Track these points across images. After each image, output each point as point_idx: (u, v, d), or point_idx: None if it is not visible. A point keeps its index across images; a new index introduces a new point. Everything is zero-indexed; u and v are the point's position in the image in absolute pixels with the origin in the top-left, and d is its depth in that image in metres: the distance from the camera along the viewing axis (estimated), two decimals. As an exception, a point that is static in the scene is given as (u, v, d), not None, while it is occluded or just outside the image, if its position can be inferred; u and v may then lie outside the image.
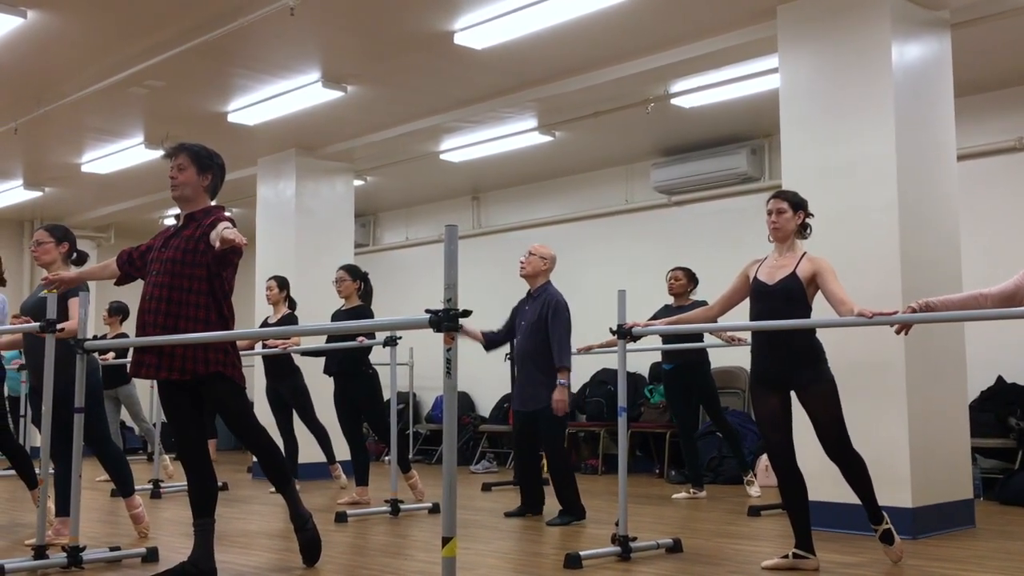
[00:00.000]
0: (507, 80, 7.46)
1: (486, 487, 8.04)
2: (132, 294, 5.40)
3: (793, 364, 4.39)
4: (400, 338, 6.74)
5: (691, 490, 7.37)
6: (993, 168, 7.69)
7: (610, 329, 4.94)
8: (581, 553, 4.57)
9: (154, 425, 8.79)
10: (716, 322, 5.01)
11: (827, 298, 4.37)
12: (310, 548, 4.54)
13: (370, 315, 7.03)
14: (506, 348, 6.43)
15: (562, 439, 6.29)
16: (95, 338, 4.77)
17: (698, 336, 7.24)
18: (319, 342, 7.36)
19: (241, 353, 4.92)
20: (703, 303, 6.64)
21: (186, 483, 4.33)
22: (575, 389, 9.89)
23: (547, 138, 9.00)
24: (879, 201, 5.50)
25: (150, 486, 7.82)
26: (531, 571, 4.52)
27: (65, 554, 4.52)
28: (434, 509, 6.60)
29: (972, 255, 6.54)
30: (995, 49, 6.84)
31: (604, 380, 9.81)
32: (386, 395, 7.03)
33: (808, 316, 4.44)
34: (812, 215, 4.62)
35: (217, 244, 3.96)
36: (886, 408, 5.38)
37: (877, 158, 5.53)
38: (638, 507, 6.71)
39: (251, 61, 7.07)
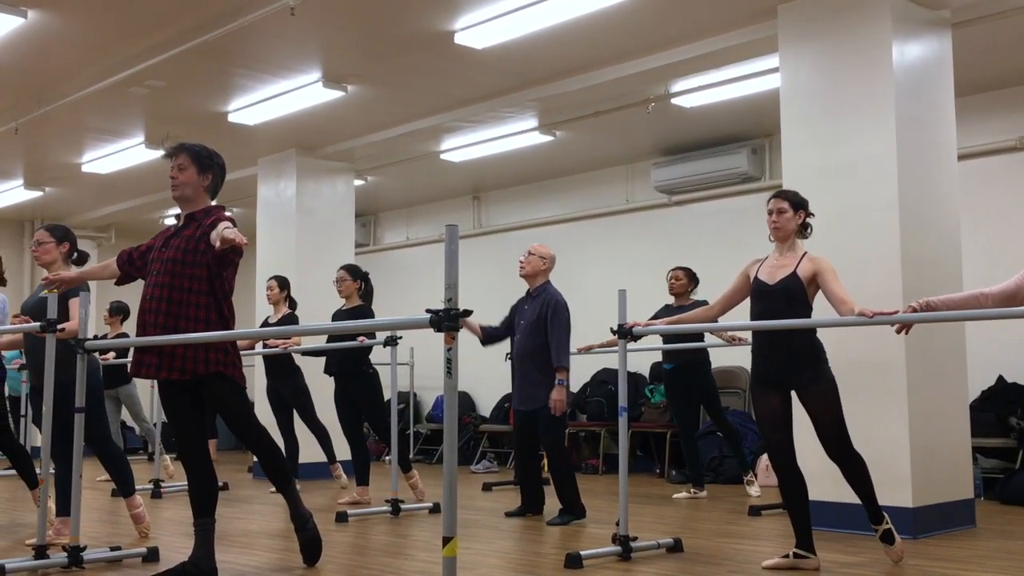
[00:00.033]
0: (508, 80, 7.46)
1: (487, 487, 8.04)
2: (133, 294, 5.40)
3: (794, 364, 4.39)
4: (401, 338, 6.75)
5: (692, 490, 7.37)
6: (994, 168, 7.68)
7: (611, 329, 4.94)
8: (582, 553, 4.57)
9: (155, 425, 8.79)
10: (716, 322, 5.01)
11: (828, 298, 4.37)
12: (311, 548, 4.54)
13: (371, 315, 7.04)
14: (506, 347, 6.43)
15: (562, 438, 6.29)
16: (96, 338, 4.77)
17: (699, 336, 7.24)
18: (320, 342, 7.36)
19: (241, 353, 4.91)
20: (704, 303, 6.63)
21: (186, 483, 4.34)
22: (576, 389, 9.90)
23: (548, 138, 9.00)
24: (880, 201, 5.50)
25: (151, 486, 7.82)
26: (532, 571, 4.52)
27: (66, 554, 4.52)
28: (435, 509, 6.60)
29: (972, 255, 6.54)
30: (996, 49, 6.84)
31: (605, 380, 9.81)
32: (387, 395, 7.03)
33: (809, 316, 4.44)
34: (813, 215, 4.62)
35: (217, 244, 3.96)
36: (887, 408, 5.38)
37: (878, 158, 5.53)
38: (639, 507, 6.71)
39: (252, 61, 7.07)
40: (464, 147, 9.37)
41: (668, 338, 7.27)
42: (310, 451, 8.10)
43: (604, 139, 9.19)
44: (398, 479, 6.56)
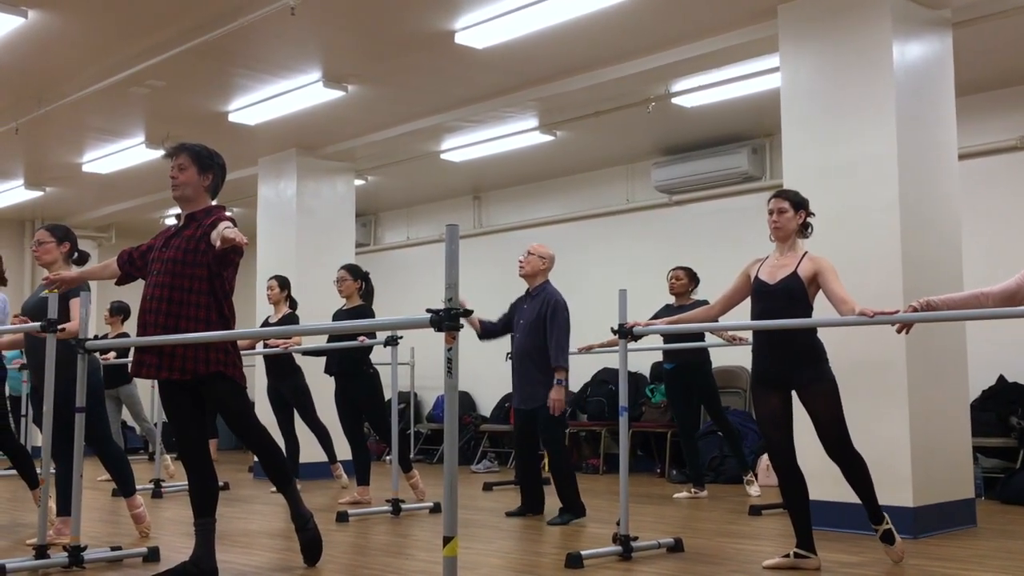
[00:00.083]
0: (508, 79, 7.46)
1: (487, 487, 8.04)
2: (134, 294, 5.40)
3: (794, 363, 4.39)
4: (401, 338, 6.75)
5: (692, 489, 7.37)
6: (994, 167, 7.68)
7: (611, 328, 4.94)
8: (582, 552, 4.57)
9: (155, 425, 8.79)
10: (717, 321, 5.01)
11: (828, 297, 4.37)
12: (311, 548, 4.54)
13: (371, 315, 7.04)
14: (506, 348, 6.43)
15: (563, 437, 6.29)
16: (96, 338, 4.77)
17: (699, 336, 7.23)
18: (320, 341, 7.36)
19: (242, 353, 4.91)
20: (704, 302, 6.63)
21: (187, 483, 4.34)
22: (576, 388, 9.91)
23: (548, 137, 9.00)
24: (880, 200, 5.50)
25: (151, 486, 7.83)
26: (532, 571, 4.52)
27: (66, 554, 4.52)
28: (435, 509, 6.61)
29: (973, 254, 6.53)
30: (996, 48, 6.84)
31: (605, 379, 9.81)
32: (387, 395, 7.03)
33: (809, 316, 4.44)
34: (813, 214, 4.62)
35: (218, 243, 3.96)
36: (887, 407, 5.38)
37: (878, 157, 5.53)
38: (639, 506, 6.70)
39: (252, 61, 7.07)
40: (464, 147, 9.37)
41: (668, 338, 7.27)
42: (311, 451, 8.10)
43: (604, 139, 9.19)
44: (399, 479, 6.56)
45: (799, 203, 4.56)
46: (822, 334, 4.50)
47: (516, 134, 8.91)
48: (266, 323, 7.95)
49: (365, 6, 6.16)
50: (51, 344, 4.65)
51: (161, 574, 4.13)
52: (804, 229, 4.59)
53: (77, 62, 7.12)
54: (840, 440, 4.40)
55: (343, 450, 7.70)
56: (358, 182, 10.32)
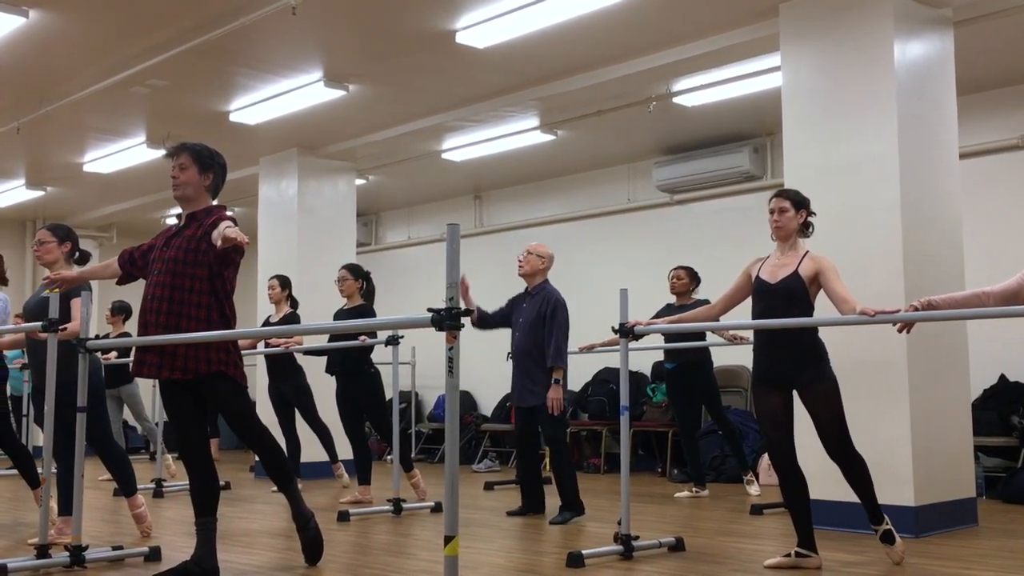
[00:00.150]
0: (509, 79, 7.45)
1: (488, 486, 8.04)
2: (135, 293, 5.40)
3: (795, 363, 4.39)
4: (402, 337, 6.75)
5: (693, 489, 7.37)
6: (995, 166, 7.68)
7: (612, 328, 4.94)
8: (583, 552, 4.57)
9: (156, 424, 8.80)
10: (718, 321, 5.01)
11: (829, 297, 4.37)
12: (312, 547, 4.54)
13: (372, 314, 7.04)
14: (507, 348, 6.42)
15: (564, 436, 6.28)
16: (97, 337, 4.77)
17: (700, 335, 7.23)
18: (321, 341, 7.36)
19: (243, 352, 4.92)
20: (705, 302, 6.62)
21: (188, 482, 4.34)
22: (577, 388, 9.90)
23: (549, 137, 9.00)
24: (881, 200, 5.49)
25: (153, 485, 7.83)
26: (534, 570, 4.53)
27: (68, 553, 4.52)
28: (436, 508, 6.61)
29: (974, 254, 6.53)
30: (998, 47, 6.83)
31: (606, 379, 9.81)
32: (388, 394, 7.04)
33: (810, 315, 4.43)
34: (814, 214, 4.62)
35: (219, 243, 3.96)
36: (888, 406, 5.38)
37: (879, 157, 5.52)
38: (640, 506, 6.70)
39: (253, 60, 7.08)
40: (465, 146, 9.37)
41: (670, 337, 7.26)
42: (312, 450, 8.11)
43: (606, 138, 9.19)
44: (400, 478, 6.56)
45: (800, 202, 4.56)
46: (823, 333, 4.49)
47: (517, 133, 8.90)
48: (267, 322, 7.95)
49: (366, 6, 6.16)
50: (52, 344, 4.65)
51: (162, 574, 4.14)
52: (805, 228, 4.59)
53: (78, 62, 7.12)
54: (841, 440, 4.39)
55: (344, 449, 7.70)
56: (359, 182, 10.32)
